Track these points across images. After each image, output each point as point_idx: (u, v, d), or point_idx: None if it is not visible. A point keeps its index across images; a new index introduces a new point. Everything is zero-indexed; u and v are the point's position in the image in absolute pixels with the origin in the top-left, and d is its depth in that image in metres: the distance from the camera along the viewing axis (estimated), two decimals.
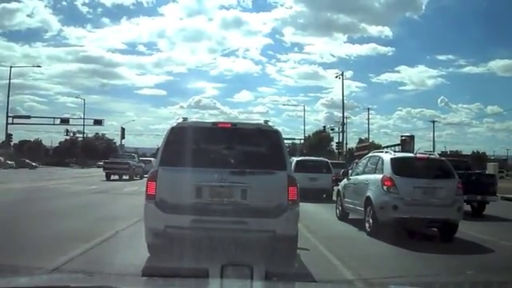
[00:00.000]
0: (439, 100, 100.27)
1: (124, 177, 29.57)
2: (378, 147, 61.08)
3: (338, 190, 12.48)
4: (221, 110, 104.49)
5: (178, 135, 6.24)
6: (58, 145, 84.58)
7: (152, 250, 6.03)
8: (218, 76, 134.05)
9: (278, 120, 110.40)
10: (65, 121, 61.33)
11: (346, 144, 57.01)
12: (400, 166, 9.41)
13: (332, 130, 61.09)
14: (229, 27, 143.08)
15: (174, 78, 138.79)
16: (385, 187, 9.15)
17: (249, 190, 5.83)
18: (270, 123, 6.68)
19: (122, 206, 13.08)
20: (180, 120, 6.73)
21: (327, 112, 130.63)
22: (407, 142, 48.67)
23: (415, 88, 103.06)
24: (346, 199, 11.46)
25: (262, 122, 6.86)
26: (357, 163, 13.72)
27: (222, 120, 7.93)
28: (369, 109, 64.52)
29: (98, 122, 61.50)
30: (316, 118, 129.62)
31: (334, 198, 13.72)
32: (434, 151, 59.44)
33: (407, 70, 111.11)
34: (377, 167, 10.02)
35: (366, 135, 64.50)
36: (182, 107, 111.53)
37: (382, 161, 9.86)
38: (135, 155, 37.56)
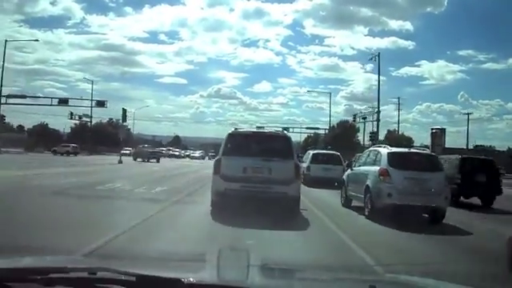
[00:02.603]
0: (459, 95, 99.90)
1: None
2: (408, 140, 59.58)
3: (343, 179, 13.57)
4: (241, 99, 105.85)
5: (232, 137, 10.36)
6: (66, 131, 77.38)
7: (214, 204, 9.80)
8: (239, 66, 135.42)
9: (298, 111, 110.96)
10: (63, 101, 53.88)
11: (378, 133, 49.97)
12: (395, 159, 10.62)
13: (364, 118, 54.28)
14: (250, 18, 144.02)
15: (195, 67, 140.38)
16: (381, 177, 10.37)
17: (272, 169, 9.81)
18: (285, 132, 10.96)
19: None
20: (233, 129, 11.00)
21: (346, 104, 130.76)
22: (438, 135, 47.99)
23: (435, 83, 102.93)
24: (349, 187, 12.65)
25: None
26: (359, 156, 14.88)
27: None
28: (399, 98, 59.39)
29: (100, 104, 55.37)
30: (336, 111, 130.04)
31: None
32: (468, 145, 56.07)
33: (427, 65, 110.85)
34: (376, 160, 11.26)
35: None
36: (202, 96, 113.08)
37: (380, 154, 11.10)
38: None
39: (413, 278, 2.83)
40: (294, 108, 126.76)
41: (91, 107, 57.34)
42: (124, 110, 50.78)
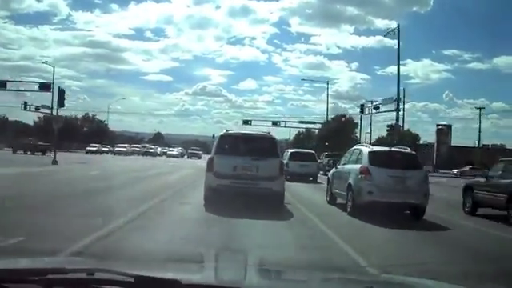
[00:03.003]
0: (444, 95, 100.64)
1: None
2: (414, 136, 58.00)
3: (328, 177, 13.97)
4: (226, 97, 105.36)
5: (224, 138, 11.46)
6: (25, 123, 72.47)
7: (206, 199, 10.75)
8: (224, 64, 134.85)
9: (283, 109, 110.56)
10: (1, 85, 42.81)
11: (398, 122, 40.59)
12: (376, 158, 10.95)
13: (376, 108, 46.18)
14: (236, 15, 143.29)
15: (180, 65, 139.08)
16: (362, 175, 10.70)
17: (260, 167, 10.86)
18: (271, 133, 12.41)
19: None
20: (225, 131, 11.95)
21: (332, 102, 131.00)
22: (444, 132, 45.12)
23: (420, 82, 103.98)
24: (334, 185, 13.03)
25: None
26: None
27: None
28: (404, 89, 51.39)
29: (45, 88, 41.33)
30: (321, 108, 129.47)
31: (319, 180, 15.65)
32: (479, 142, 53.85)
33: (412, 64, 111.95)
34: (358, 158, 11.61)
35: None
36: (187, 93, 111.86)
37: (362, 153, 11.45)
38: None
39: (409, 278, 2.91)
40: (279, 106, 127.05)
41: (54, 97, 40.71)
42: (61, 92, 33.34)
